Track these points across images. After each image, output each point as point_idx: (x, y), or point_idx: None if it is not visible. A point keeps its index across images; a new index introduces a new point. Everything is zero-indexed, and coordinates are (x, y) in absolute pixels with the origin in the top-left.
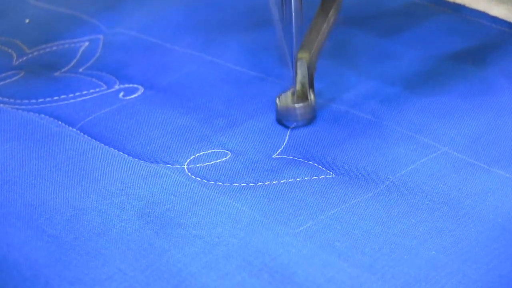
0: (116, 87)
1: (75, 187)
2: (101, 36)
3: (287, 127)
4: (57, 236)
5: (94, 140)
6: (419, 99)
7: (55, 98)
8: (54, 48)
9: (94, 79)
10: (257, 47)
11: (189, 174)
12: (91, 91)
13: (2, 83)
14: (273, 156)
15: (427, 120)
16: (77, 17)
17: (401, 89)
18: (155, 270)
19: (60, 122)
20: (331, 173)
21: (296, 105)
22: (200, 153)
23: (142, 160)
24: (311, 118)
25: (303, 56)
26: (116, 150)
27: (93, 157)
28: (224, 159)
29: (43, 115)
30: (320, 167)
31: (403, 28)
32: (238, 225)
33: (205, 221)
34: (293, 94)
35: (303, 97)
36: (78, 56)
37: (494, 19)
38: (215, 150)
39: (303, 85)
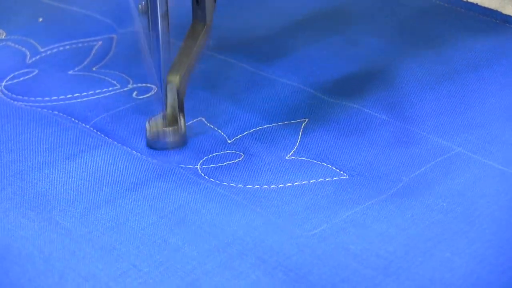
0: (130, 86)
1: (88, 179)
2: (114, 36)
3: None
4: (71, 229)
5: (107, 137)
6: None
7: (68, 96)
8: (67, 47)
9: (107, 78)
10: None
11: (202, 175)
12: (104, 89)
13: (16, 81)
14: (286, 158)
15: (442, 120)
16: (90, 17)
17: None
18: (169, 267)
19: (73, 119)
20: (345, 174)
21: (166, 129)
22: (213, 154)
23: (155, 159)
24: (181, 143)
25: (173, 80)
26: (129, 149)
27: (106, 152)
28: (237, 160)
29: (56, 112)
30: (334, 168)
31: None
32: (252, 224)
33: (218, 219)
34: (163, 118)
35: (173, 120)
36: (91, 55)
37: None
38: (228, 151)
39: (173, 108)
